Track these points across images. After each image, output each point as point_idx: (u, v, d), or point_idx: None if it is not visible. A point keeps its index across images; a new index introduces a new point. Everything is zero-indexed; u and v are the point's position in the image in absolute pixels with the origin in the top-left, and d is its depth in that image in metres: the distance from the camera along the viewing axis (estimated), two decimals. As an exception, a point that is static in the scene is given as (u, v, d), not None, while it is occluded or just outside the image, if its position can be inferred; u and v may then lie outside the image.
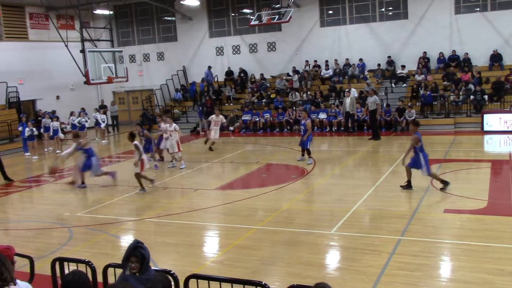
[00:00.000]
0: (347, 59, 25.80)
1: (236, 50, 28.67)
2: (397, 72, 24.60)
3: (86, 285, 3.79)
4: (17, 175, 17.45)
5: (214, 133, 19.01)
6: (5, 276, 3.79)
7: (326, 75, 25.85)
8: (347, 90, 22.04)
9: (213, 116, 19.24)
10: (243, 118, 24.81)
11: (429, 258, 7.73)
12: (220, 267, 7.92)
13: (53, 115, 23.90)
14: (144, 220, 10.88)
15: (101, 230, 10.26)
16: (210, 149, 18.95)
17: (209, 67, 28.25)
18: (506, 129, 19.66)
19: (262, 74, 27.14)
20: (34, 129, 21.19)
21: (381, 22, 25.37)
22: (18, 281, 3.94)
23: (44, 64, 27.47)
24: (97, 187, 14.25)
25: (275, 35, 27.49)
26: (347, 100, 21.49)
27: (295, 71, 26.28)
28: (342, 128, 22.26)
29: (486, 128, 20.15)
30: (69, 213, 11.68)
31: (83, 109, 24.90)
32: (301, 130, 16.17)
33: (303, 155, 16.02)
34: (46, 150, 22.36)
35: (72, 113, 24.50)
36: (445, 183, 11.42)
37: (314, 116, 23.17)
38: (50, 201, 13.39)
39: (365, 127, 22.19)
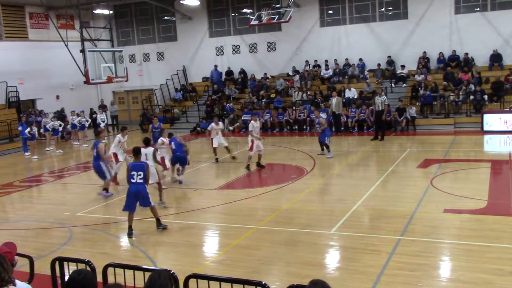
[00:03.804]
0: (347, 59, 25.79)
1: (236, 50, 28.67)
2: (397, 72, 24.59)
3: (90, 284, 3.76)
4: (17, 175, 17.48)
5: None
6: (3, 276, 3.79)
7: (326, 75, 25.85)
8: (337, 90, 22.59)
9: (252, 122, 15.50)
10: (243, 118, 24.81)
11: (428, 258, 7.73)
12: (220, 267, 7.92)
13: (56, 115, 24.02)
14: (144, 220, 10.88)
15: (101, 230, 10.26)
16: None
17: (215, 66, 28.28)
18: (506, 129, 19.65)
19: (265, 74, 27.11)
20: (35, 128, 21.23)
21: (381, 22, 25.37)
22: (17, 281, 3.94)
23: (44, 64, 27.46)
24: (97, 187, 14.24)
25: (275, 35, 27.49)
26: (333, 101, 21.53)
27: (295, 71, 26.29)
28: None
29: (486, 128, 20.14)
30: (69, 213, 11.68)
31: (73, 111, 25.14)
32: (318, 128, 17.01)
33: (322, 149, 16.72)
34: (47, 149, 22.33)
35: (71, 113, 24.55)
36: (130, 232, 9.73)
37: (314, 116, 23.17)
38: (50, 201, 13.39)
39: (365, 127, 22.21)
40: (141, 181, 9.61)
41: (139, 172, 9.58)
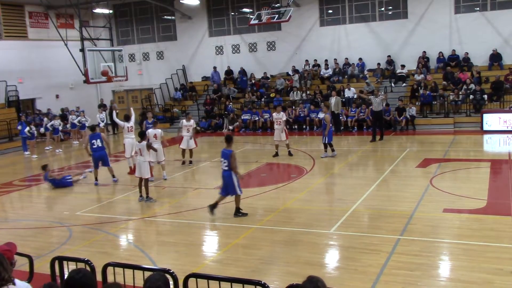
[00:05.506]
0: (347, 58, 25.79)
1: (235, 49, 28.65)
2: (397, 72, 24.59)
3: (89, 284, 3.75)
4: (16, 174, 17.47)
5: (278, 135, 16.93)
6: (3, 275, 3.78)
7: (326, 75, 25.85)
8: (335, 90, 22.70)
9: (274, 114, 17.37)
10: (242, 118, 24.81)
11: (428, 258, 7.73)
12: (219, 266, 7.92)
13: (59, 113, 24.00)
14: (143, 219, 10.88)
15: (100, 229, 10.25)
16: (290, 154, 16.97)
17: (215, 68, 28.26)
18: (505, 128, 19.66)
19: (265, 73, 27.11)
20: (34, 127, 21.22)
21: (381, 21, 25.37)
22: (17, 280, 3.93)
23: (43, 63, 27.44)
24: (96, 186, 14.24)
25: (275, 34, 27.48)
26: (333, 100, 21.50)
27: (295, 71, 26.28)
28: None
29: (485, 127, 20.14)
30: (68, 212, 11.68)
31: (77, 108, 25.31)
32: (322, 123, 17.40)
33: (332, 150, 16.50)
34: (47, 148, 22.31)
35: (71, 112, 24.53)
36: (213, 207, 10.42)
37: (313, 116, 23.21)
38: (50, 200, 13.38)
39: (364, 127, 22.21)
40: (226, 168, 10.12)
41: (224, 160, 10.10)
